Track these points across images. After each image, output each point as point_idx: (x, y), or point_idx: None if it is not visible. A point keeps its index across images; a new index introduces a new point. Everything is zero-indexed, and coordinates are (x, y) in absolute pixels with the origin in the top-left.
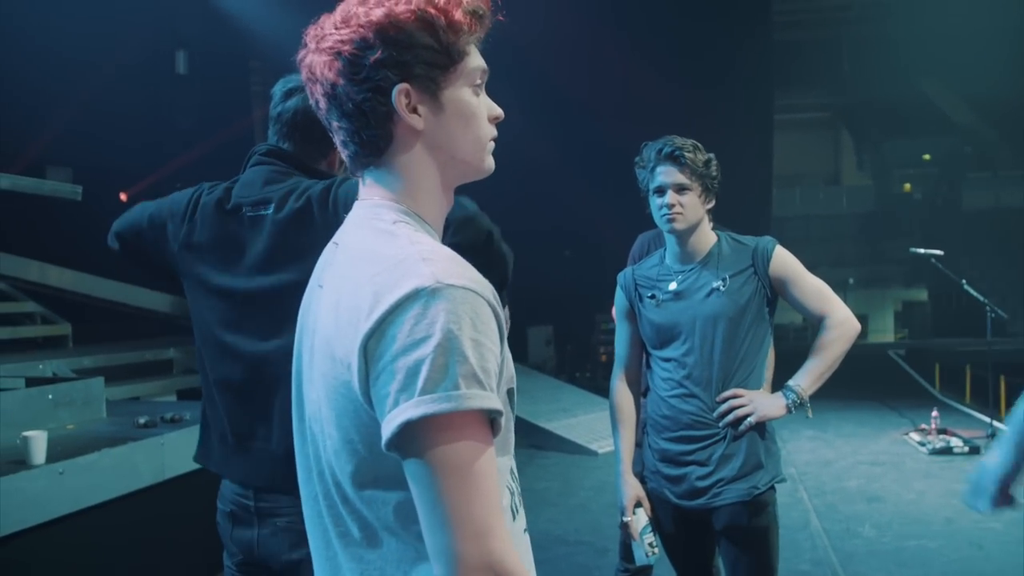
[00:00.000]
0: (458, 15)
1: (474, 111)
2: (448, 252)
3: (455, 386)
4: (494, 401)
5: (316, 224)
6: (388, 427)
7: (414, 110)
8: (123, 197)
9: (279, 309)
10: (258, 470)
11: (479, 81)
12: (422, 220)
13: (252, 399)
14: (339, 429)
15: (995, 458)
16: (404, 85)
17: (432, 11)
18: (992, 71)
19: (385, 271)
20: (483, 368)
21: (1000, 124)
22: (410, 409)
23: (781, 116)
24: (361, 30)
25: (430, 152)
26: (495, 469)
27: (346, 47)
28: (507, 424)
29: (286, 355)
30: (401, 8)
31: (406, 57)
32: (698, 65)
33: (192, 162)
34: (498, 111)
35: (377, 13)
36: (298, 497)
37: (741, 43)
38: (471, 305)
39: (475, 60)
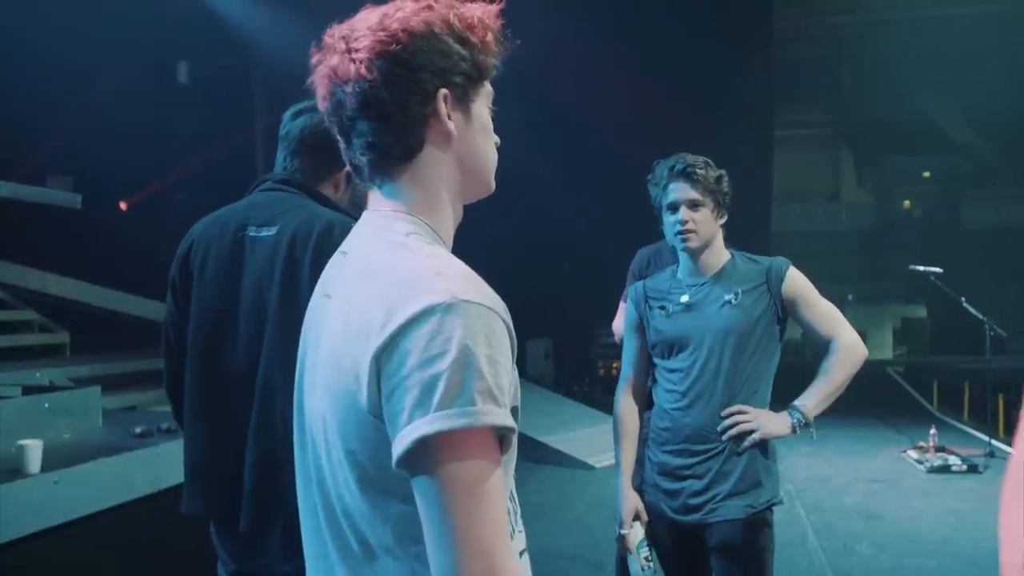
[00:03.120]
0: (489, 37)
1: (491, 128)
2: (462, 267)
3: (471, 402)
4: (508, 418)
5: (307, 257)
6: (401, 444)
7: (449, 116)
8: (123, 206)
9: (265, 326)
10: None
11: (491, 105)
12: (434, 232)
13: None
14: (342, 440)
15: None
16: (445, 90)
17: (467, 29)
18: (992, 89)
19: (398, 284)
20: (498, 385)
21: (1000, 142)
22: (425, 425)
23: (782, 132)
24: (403, 34)
25: (455, 161)
26: (503, 487)
27: (389, 47)
28: (513, 442)
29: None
30: (439, 21)
31: (446, 65)
32: (699, 82)
33: (193, 172)
34: (497, 138)
35: (416, 20)
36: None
37: (743, 60)
38: (486, 321)
39: (489, 85)
